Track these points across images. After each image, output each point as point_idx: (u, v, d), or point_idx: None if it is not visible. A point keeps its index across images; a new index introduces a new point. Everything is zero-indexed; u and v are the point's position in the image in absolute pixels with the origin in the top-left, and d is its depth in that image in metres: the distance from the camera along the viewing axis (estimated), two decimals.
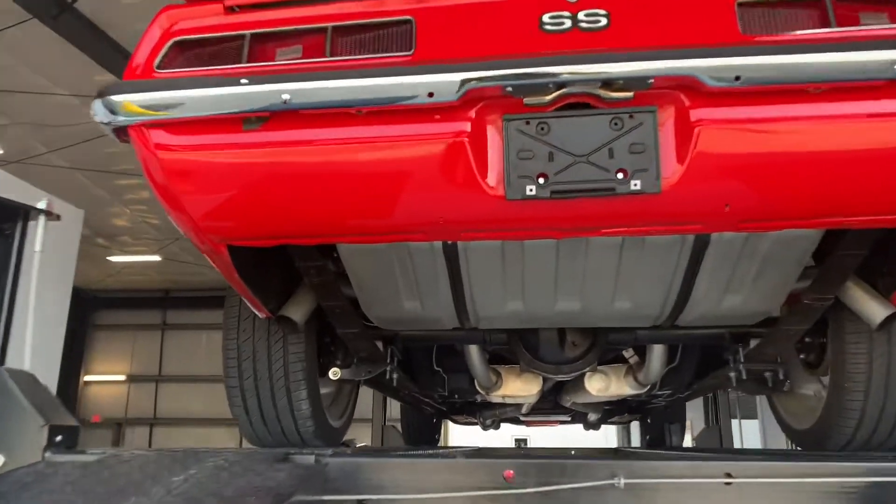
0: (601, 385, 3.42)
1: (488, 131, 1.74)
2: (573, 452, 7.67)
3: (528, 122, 1.69)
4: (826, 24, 1.65)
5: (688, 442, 7.26)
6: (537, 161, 1.70)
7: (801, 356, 2.86)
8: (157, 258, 17.03)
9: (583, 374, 3.37)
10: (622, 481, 1.63)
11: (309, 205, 1.83)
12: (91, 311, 20.65)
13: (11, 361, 5.17)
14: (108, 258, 16.97)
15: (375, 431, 7.08)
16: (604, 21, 1.69)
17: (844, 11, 1.67)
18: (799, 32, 1.67)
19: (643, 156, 1.69)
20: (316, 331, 2.85)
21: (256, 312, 2.51)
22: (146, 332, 20.69)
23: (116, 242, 16.22)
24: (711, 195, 1.74)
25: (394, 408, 7.40)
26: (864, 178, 1.68)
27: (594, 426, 6.30)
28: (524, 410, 4.83)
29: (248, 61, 1.79)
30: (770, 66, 1.60)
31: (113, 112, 1.79)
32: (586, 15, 1.70)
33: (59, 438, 1.84)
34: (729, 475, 1.71)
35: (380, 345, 2.95)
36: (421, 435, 6.51)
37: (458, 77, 1.63)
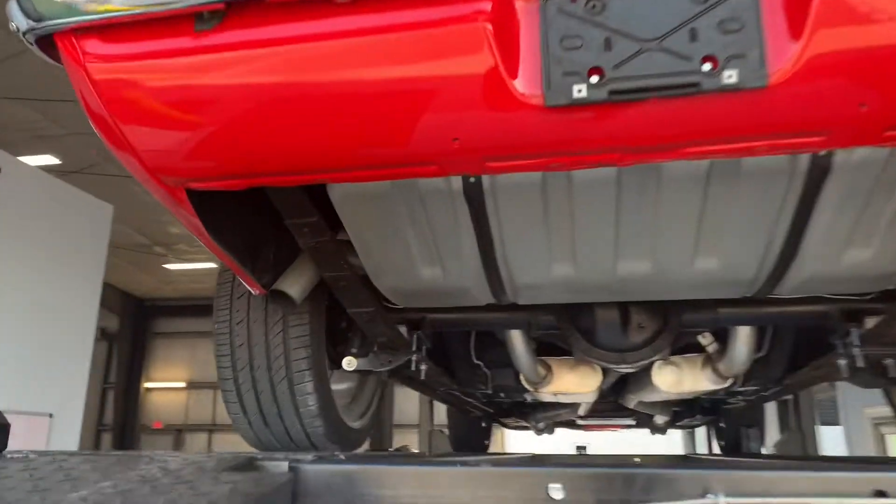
0: (672, 379, 2.85)
1: (518, 11, 1.25)
2: (637, 460, 7.01)
3: None
4: None
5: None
6: (588, 51, 1.20)
7: None
8: (213, 265, 17.06)
9: (650, 366, 2.81)
10: (723, 500, 1.11)
11: (281, 128, 1.38)
12: (150, 320, 21.05)
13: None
14: (164, 266, 17.13)
15: (423, 436, 6.59)
16: None
17: None
18: None
19: (740, 36, 1.17)
20: (326, 312, 2.40)
21: (249, 288, 2.08)
22: (205, 339, 20.85)
23: (173, 251, 16.36)
24: (840, 90, 1.20)
25: (442, 411, 6.94)
26: None
27: (661, 430, 5.66)
28: (581, 412, 4.26)
29: None
30: None
31: (32, 15, 1.38)
32: None
33: None
34: (882, 493, 1.16)
35: (404, 331, 2.47)
36: (468, 440, 6.00)
37: None
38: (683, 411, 4.69)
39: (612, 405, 4.29)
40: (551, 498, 1.23)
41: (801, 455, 4.94)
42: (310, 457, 1.34)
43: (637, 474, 1.30)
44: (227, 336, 2.21)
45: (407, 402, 17.31)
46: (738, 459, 3.94)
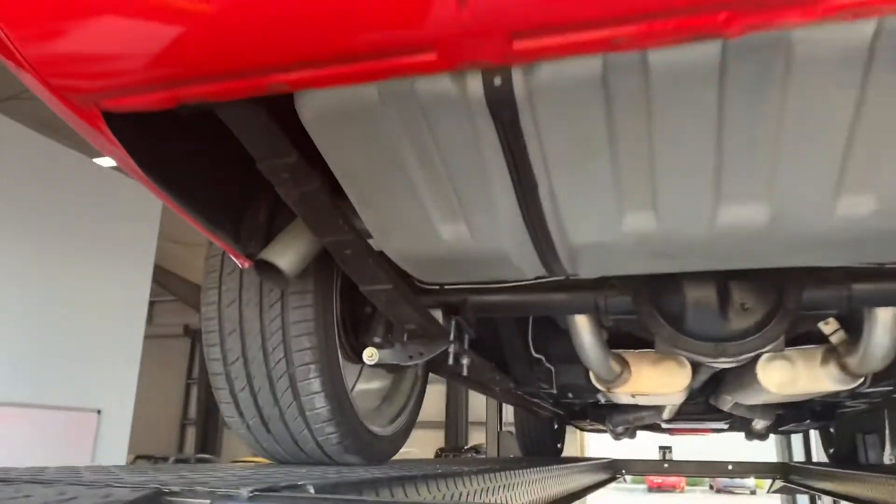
0: (784, 377, 2.25)
1: None
2: (730, 467, 6.19)
3: None
4: None
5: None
6: None
7: None
8: None
9: (754, 361, 2.23)
10: None
11: (203, 7, 0.93)
12: None
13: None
14: None
15: (491, 437, 6.11)
16: None
17: None
18: None
19: None
20: (344, 292, 1.96)
21: (234, 260, 1.65)
22: None
23: None
24: None
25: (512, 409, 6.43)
26: None
27: (761, 436, 4.95)
28: (666, 415, 3.65)
29: None
30: None
31: None
32: None
33: None
34: None
35: (440, 317, 1.99)
36: (539, 443, 5.46)
37: None
38: (789, 415, 3.99)
39: (701, 407, 3.68)
40: None
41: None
42: (246, 492, 0.89)
43: None
44: (215, 321, 1.79)
45: (481, 397, 16.84)
46: (863, 473, 3.26)
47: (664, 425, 4.91)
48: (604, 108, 1.03)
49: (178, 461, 15.36)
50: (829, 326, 2.10)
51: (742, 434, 5.18)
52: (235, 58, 0.99)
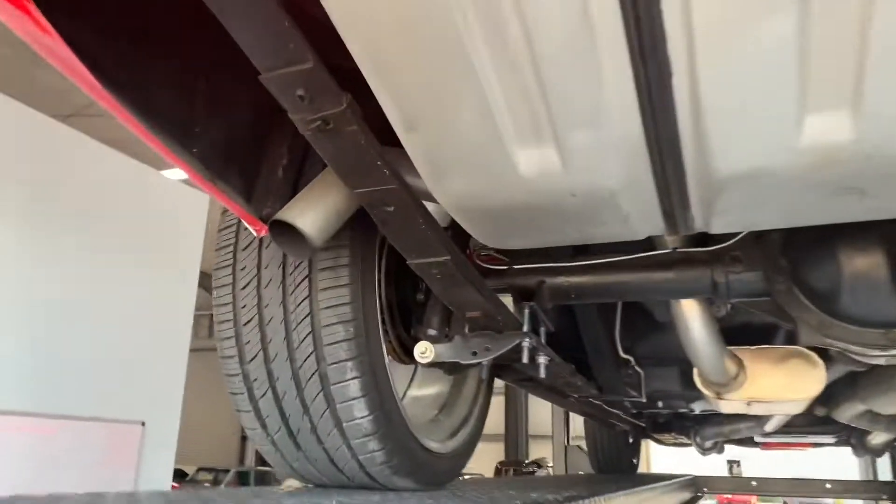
0: None
1: None
2: (829, 486, 5.49)
3: None
4: None
5: None
6: None
7: None
8: None
9: None
10: None
11: None
12: None
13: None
14: None
15: (557, 452, 5.64)
16: None
17: None
18: None
19: None
20: (385, 271, 1.58)
21: (247, 226, 1.29)
22: None
23: None
24: None
25: (580, 420, 5.96)
26: None
27: (876, 452, 4.31)
28: (771, 427, 3.11)
29: None
30: None
31: None
32: None
33: None
34: None
35: (509, 304, 1.59)
36: (613, 459, 4.95)
37: None
38: None
39: (810, 417, 3.14)
40: None
41: None
42: None
43: None
44: (229, 309, 1.42)
45: (542, 407, 16.25)
46: None
47: (762, 439, 4.34)
48: None
49: (238, 473, 15.29)
50: None
51: (878, 455, 4.48)
52: None
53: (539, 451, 16.54)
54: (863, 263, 1.34)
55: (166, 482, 4.87)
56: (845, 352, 1.47)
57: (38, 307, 4.22)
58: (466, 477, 12.49)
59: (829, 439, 4.19)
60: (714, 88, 0.79)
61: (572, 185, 0.95)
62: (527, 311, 1.58)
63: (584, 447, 5.41)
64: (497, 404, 17.34)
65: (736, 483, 5.79)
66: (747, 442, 4.62)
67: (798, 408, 2.09)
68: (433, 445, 1.66)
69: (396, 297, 1.68)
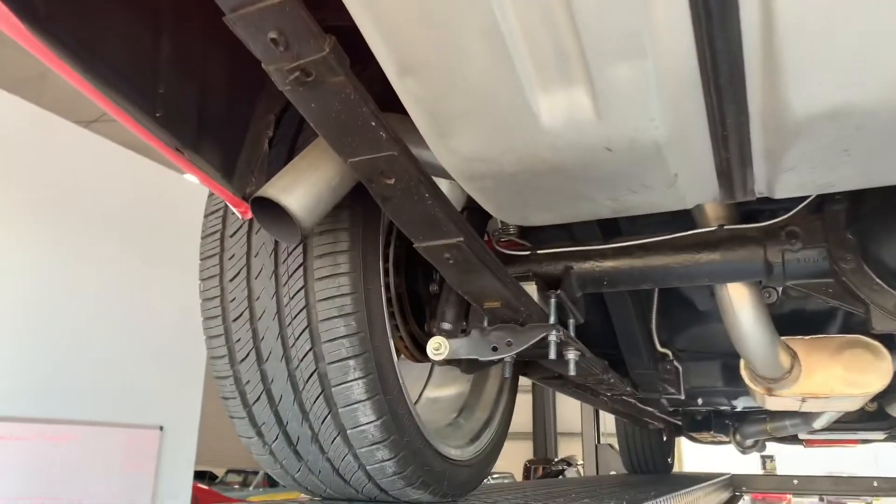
0: None
1: None
2: (876, 484, 5.21)
3: None
4: None
5: None
6: None
7: None
8: None
9: None
10: None
11: None
12: None
13: None
14: None
15: (587, 450, 5.46)
16: None
17: None
18: None
19: None
20: (394, 259, 1.42)
21: (229, 206, 1.14)
22: None
23: None
24: None
25: (610, 418, 5.79)
26: None
27: None
28: (820, 424, 2.88)
29: None
30: None
31: None
32: None
33: None
34: None
35: (533, 293, 1.41)
36: (647, 458, 4.73)
37: None
38: None
39: (860, 412, 2.91)
40: None
41: None
42: None
43: None
44: (217, 303, 1.27)
45: (570, 404, 15.98)
46: None
47: (805, 436, 4.10)
48: None
49: (267, 475, 15.26)
50: None
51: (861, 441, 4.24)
52: None
53: (568, 448, 16.27)
54: None
55: (186, 487, 4.77)
56: None
57: (59, 310, 4.15)
58: (494, 476, 12.27)
59: (880, 435, 3.94)
60: (792, 5, 0.60)
61: (608, 136, 0.77)
62: (553, 301, 1.40)
63: (616, 445, 5.20)
64: (525, 402, 17.10)
65: (777, 482, 5.54)
66: (790, 439, 4.38)
67: (857, 404, 1.89)
68: (452, 452, 1.49)
69: (407, 287, 1.51)
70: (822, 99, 0.69)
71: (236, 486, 14.66)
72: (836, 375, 1.70)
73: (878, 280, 1.22)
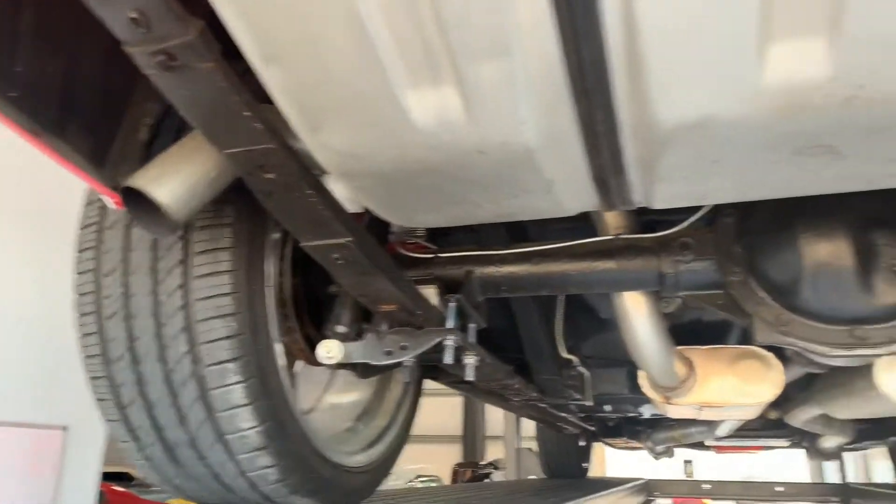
0: None
1: None
2: (780, 489, 5.42)
3: None
4: None
5: None
6: None
7: None
8: None
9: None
10: None
11: None
12: None
13: None
14: None
15: (509, 453, 5.48)
16: None
17: None
18: None
19: None
20: (292, 258, 1.37)
21: (102, 197, 1.07)
22: None
23: None
24: None
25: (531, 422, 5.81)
26: None
27: (829, 455, 4.23)
28: (723, 431, 2.97)
29: None
30: None
31: None
32: None
33: None
34: None
35: (433, 296, 1.39)
36: (563, 462, 4.79)
37: None
38: (872, 430, 3.29)
39: (762, 420, 3.02)
40: None
41: None
42: None
43: None
44: (91, 299, 1.19)
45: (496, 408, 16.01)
46: None
47: (712, 443, 4.23)
48: None
49: None
50: None
51: (834, 458, 4.42)
52: None
53: (496, 452, 16.39)
54: (827, 250, 1.17)
55: (92, 489, 4.55)
56: (805, 352, 1.30)
57: None
58: (421, 480, 12.20)
59: (783, 442, 4.11)
60: (654, 4, 0.60)
61: (480, 138, 0.75)
62: (452, 305, 1.38)
63: (535, 449, 5.25)
64: (456, 405, 17.12)
65: (688, 486, 5.69)
66: (699, 445, 4.51)
67: (752, 413, 1.94)
68: (344, 459, 1.45)
69: (305, 288, 1.46)
70: (686, 109, 0.69)
71: (155, 488, 14.12)
72: (729, 385, 1.74)
73: (761, 293, 1.25)
